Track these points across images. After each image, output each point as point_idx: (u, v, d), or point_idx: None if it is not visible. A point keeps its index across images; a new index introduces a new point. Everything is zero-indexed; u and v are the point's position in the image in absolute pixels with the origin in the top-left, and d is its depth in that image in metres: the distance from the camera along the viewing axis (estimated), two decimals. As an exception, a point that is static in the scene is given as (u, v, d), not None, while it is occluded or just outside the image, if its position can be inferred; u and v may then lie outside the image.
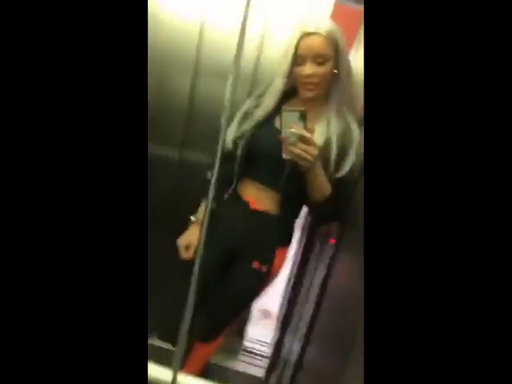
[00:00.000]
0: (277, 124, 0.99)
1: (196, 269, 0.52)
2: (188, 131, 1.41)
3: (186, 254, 1.14)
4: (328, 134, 0.96)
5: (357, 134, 0.99)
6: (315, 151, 0.83)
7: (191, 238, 1.15)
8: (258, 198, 1.06)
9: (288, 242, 1.14)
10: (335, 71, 0.95)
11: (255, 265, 1.08)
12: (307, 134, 0.83)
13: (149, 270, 0.56)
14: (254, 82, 1.28)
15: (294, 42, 0.91)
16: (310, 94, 0.95)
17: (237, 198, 1.10)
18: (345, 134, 0.98)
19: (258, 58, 1.30)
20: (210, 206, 0.59)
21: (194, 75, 1.35)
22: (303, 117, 0.84)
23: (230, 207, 1.10)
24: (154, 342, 1.64)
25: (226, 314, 1.19)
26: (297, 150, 0.83)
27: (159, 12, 1.28)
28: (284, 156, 0.87)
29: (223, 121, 0.66)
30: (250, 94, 1.13)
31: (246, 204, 1.07)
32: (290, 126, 0.84)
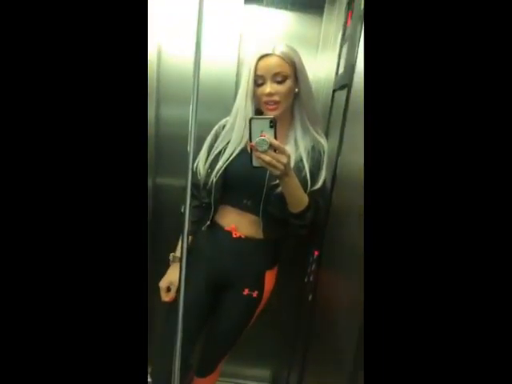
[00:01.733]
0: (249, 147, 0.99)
1: (180, 307, 0.50)
2: (158, 157, 1.39)
3: (166, 297, 1.11)
4: (298, 154, 0.99)
5: (325, 145, 1.03)
6: (285, 159, 0.83)
7: (171, 278, 1.12)
8: (240, 224, 1.05)
9: (276, 263, 1.13)
10: (296, 90, 0.99)
11: (246, 292, 1.07)
12: (277, 142, 0.82)
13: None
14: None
15: (253, 64, 0.95)
16: (273, 113, 0.97)
17: (217, 228, 1.08)
18: (315, 148, 1.02)
19: (237, 83, 1.30)
20: (185, 242, 0.57)
21: (156, 103, 1.34)
22: (273, 124, 0.83)
23: (210, 239, 1.09)
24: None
25: (220, 346, 1.16)
26: (267, 158, 0.82)
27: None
28: (254, 164, 0.86)
29: (190, 149, 0.65)
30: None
31: (227, 234, 1.06)
32: (260, 133, 0.83)
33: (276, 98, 0.96)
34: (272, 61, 0.94)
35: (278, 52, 0.94)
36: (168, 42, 1.31)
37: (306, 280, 1.23)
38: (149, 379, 1.59)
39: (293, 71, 0.96)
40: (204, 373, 1.21)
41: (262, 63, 0.95)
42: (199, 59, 0.61)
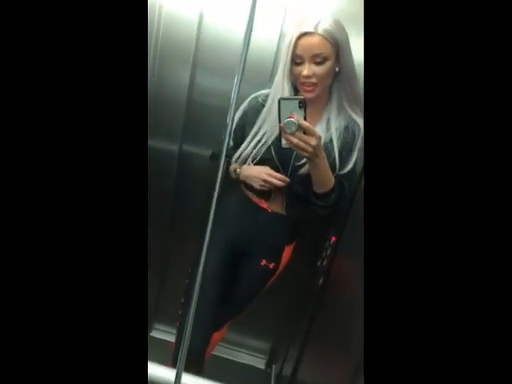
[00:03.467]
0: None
1: (201, 266, 0.52)
2: (188, 124, 1.40)
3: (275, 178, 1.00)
4: (328, 134, 0.97)
5: (361, 125, 0.99)
6: (314, 141, 0.82)
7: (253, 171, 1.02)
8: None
9: (294, 239, 1.15)
10: (336, 69, 0.95)
11: (263, 262, 1.10)
12: (306, 123, 0.81)
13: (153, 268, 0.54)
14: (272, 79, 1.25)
15: (293, 42, 0.89)
16: (309, 95, 0.94)
17: (243, 197, 1.09)
18: (348, 129, 0.99)
19: (276, 54, 1.26)
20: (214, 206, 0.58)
21: (192, 68, 1.33)
22: (303, 105, 0.82)
23: (237, 205, 1.11)
24: (154, 334, 1.67)
25: (230, 309, 1.21)
26: (295, 140, 0.81)
27: (157, 5, 1.26)
28: (283, 145, 0.85)
29: (229, 120, 0.65)
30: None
31: (254, 204, 1.08)
32: (288, 114, 0.82)
33: (313, 79, 0.91)
34: (313, 41, 0.88)
35: (320, 30, 0.86)
36: (209, 11, 1.28)
37: (318, 263, 1.24)
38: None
39: (335, 51, 0.90)
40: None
41: (303, 42, 0.88)
42: (250, 31, 0.60)
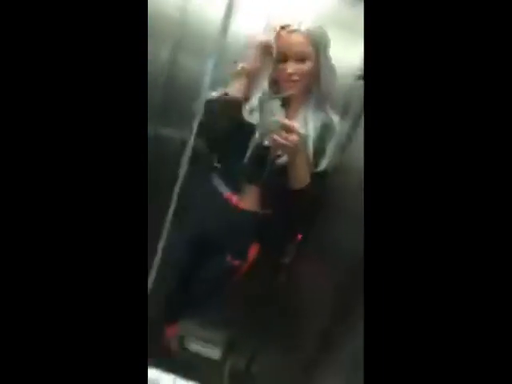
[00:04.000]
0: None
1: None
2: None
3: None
4: (304, 130, 0.96)
5: (337, 126, 1.00)
6: (296, 138, 0.83)
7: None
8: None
9: (263, 237, 1.13)
10: (317, 70, 0.96)
11: (229, 259, 1.08)
12: (288, 122, 0.82)
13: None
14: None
15: (276, 37, 0.92)
16: (290, 91, 0.95)
17: (213, 191, 1.06)
18: (325, 126, 1.00)
19: None
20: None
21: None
22: (285, 103, 0.83)
23: (206, 198, 1.08)
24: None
25: (193, 303, 1.18)
26: (278, 138, 0.82)
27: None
28: (266, 143, 0.86)
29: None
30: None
31: (224, 199, 1.05)
32: (271, 112, 0.82)
33: (295, 77, 0.94)
34: (295, 38, 0.92)
35: (303, 29, 0.91)
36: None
37: (285, 261, 1.24)
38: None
39: (315, 51, 0.93)
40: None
41: (285, 40, 0.92)
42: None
